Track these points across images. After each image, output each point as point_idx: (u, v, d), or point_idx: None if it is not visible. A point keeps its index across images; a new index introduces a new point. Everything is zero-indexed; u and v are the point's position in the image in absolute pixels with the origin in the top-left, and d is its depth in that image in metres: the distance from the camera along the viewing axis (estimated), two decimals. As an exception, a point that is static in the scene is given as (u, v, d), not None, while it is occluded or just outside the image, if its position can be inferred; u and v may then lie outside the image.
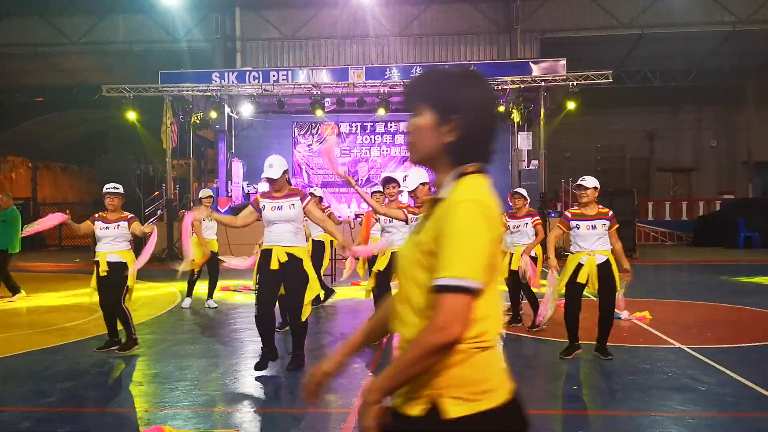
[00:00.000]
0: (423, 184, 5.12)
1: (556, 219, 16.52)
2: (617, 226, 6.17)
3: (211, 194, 9.80)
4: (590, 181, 6.11)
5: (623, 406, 5.00)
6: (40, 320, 8.86)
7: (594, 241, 6.02)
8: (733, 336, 7.26)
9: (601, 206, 6.21)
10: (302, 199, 5.73)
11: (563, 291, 6.24)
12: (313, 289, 5.74)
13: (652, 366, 5.95)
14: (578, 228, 6.09)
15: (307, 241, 8.64)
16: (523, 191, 8.19)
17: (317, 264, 9.46)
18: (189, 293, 9.53)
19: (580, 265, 6.05)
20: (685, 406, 4.84)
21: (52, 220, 6.60)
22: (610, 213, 6.16)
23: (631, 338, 6.97)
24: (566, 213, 6.46)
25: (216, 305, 9.45)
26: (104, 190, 6.81)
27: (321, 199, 9.86)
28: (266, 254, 5.68)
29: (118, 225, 6.71)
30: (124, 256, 6.72)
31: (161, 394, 5.41)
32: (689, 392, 5.16)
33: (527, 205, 8.02)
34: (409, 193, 5.38)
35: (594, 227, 6.03)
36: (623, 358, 5.96)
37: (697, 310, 9.12)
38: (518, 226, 7.86)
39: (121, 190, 6.89)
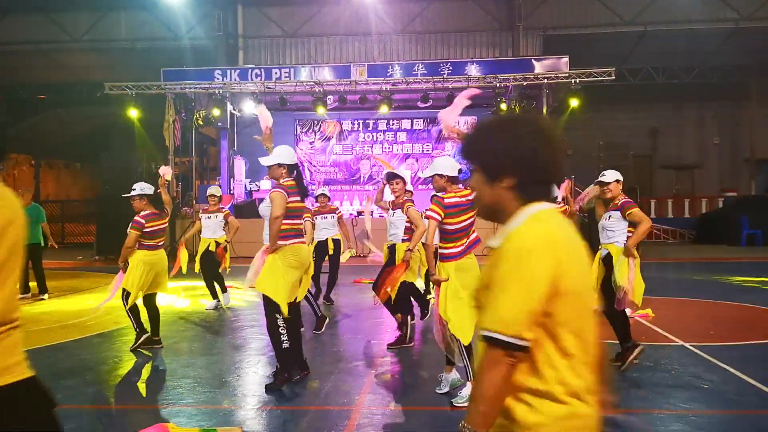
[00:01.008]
0: (439, 175, 4.94)
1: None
2: (631, 210, 5.66)
3: (214, 194, 9.56)
4: (610, 175, 5.81)
5: (626, 403, 5.00)
6: (43, 317, 8.88)
7: (602, 236, 5.91)
8: (736, 334, 7.26)
9: (621, 197, 5.82)
10: (271, 199, 5.27)
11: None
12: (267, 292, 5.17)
13: (655, 364, 5.95)
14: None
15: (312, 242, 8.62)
16: None
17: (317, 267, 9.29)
18: (221, 292, 9.45)
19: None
20: (688, 404, 4.84)
21: (117, 282, 6.71)
22: (621, 201, 5.76)
23: (634, 336, 6.95)
24: None
25: (214, 307, 9.33)
26: (134, 194, 6.80)
27: (329, 199, 9.70)
28: None
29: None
30: (129, 257, 6.72)
31: (164, 391, 5.43)
32: (692, 390, 5.17)
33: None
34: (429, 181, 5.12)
35: (602, 220, 5.93)
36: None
37: (700, 307, 9.11)
38: None
39: (136, 191, 6.74)
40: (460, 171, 5.03)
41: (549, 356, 1.56)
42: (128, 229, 6.58)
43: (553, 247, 1.55)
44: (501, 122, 1.76)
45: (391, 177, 6.63)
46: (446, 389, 5.01)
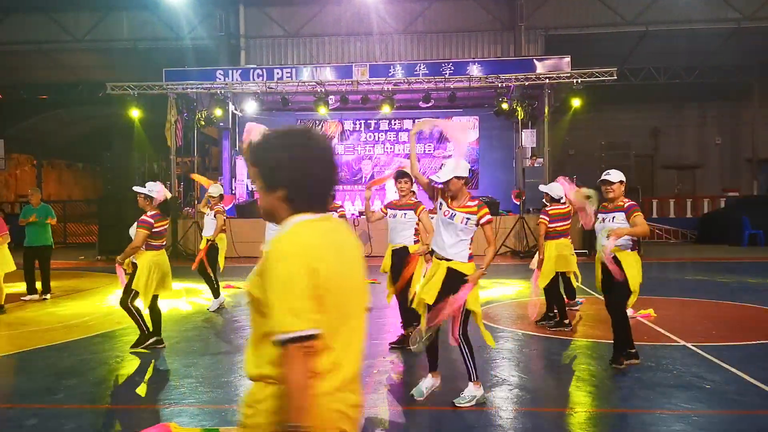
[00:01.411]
0: (458, 177, 4.82)
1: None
2: (636, 214, 5.62)
3: (211, 194, 9.43)
4: (615, 175, 5.73)
5: (628, 403, 5.00)
6: (44, 317, 8.89)
7: (603, 237, 5.69)
8: (738, 334, 7.25)
9: (625, 199, 5.79)
10: None
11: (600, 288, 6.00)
12: None
13: (656, 364, 5.95)
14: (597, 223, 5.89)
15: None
16: (547, 188, 8.02)
17: None
18: (213, 295, 9.29)
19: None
20: (690, 404, 4.84)
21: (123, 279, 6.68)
22: (627, 204, 5.71)
23: (636, 336, 6.94)
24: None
25: (214, 308, 9.19)
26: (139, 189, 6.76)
27: (333, 197, 9.44)
28: None
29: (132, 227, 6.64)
30: (136, 258, 6.61)
31: (167, 391, 5.44)
32: (694, 390, 5.17)
33: (552, 202, 7.90)
34: (442, 185, 4.93)
35: (603, 221, 5.77)
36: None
37: (702, 307, 9.11)
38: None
39: (144, 190, 6.67)
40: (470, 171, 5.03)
41: None
42: (135, 229, 6.49)
43: (306, 252, 1.75)
44: (277, 138, 1.93)
45: (401, 175, 6.54)
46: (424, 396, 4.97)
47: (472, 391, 4.78)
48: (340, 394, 1.80)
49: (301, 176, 1.86)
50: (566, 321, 7.59)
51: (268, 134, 1.96)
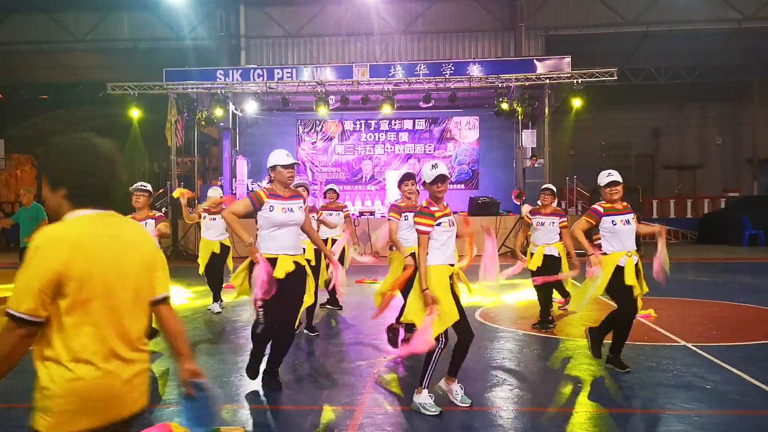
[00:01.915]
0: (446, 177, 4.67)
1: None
2: (637, 215, 5.81)
3: (213, 197, 9.32)
4: (619, 176, 5.68)
5: (628, 403, 5.00)
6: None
7: (629, 239, 5.57)
8: (738, 334, 7.26)
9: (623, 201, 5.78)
10: (305, 202, 5.28)
11: (598, 294, 5.74)
12: (308, 300, 5.23)
13: (657, 364, 5.95)
14: (614, 224, 5.55)
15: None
16: (552, 187, 8.03)
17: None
18: (216, 297, 9.19)
19: (619, 268, 5.50)
20: (690, 404, 4.84)
21: None
22: (628, 206, 5.78)
23: (636, 336, 6.95)
24: (597, 207, 5.77)
25: (220, 310, 9.07)
26: (132, 188, 6.79)
27: (338, 195, 9.07)
28: (272, 263, 4.98)
29: (146, 223, 6.63)
30: None
31: (167, 391, 5.43)
32: (694, 390, 5.16)
33: (554, 203, 7.87)
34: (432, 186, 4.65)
35: (628, 222, 5.58)
36: (628, 356, 5.94)
37: (702, 308, 9.11)
38: (543, 223, 7.66)
39: (148, 187, 6.84)
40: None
41: (58, 329, 1.98)
42: (162, 225, 6.71)
43: (61, 244, 1.96)
44: (59, 143, 2.17)
45: (407, 177, 6.40)
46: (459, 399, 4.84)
47: (420, 398, 4.71)
48: (93, 374, 2.00)
49: (79, 177, 2.08)
50: (550, 318, 7.64)
51: (51, 143, 2.18)
